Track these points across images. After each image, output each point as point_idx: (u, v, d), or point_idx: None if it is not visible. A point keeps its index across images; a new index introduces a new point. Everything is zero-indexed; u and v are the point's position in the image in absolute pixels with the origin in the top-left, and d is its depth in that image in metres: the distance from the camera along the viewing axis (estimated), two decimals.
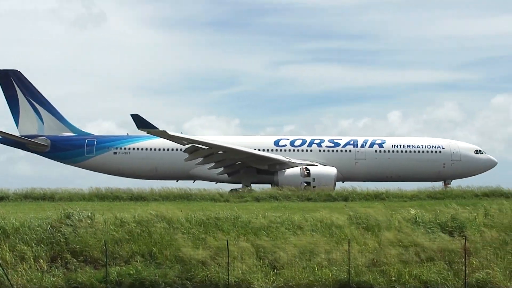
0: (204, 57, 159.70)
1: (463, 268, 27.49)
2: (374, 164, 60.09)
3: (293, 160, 58.24)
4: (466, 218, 32.29)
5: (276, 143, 61.50)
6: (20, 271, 27.80)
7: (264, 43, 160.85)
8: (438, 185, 56.00)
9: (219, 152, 57.72)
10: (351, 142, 61.11)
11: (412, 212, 33.26)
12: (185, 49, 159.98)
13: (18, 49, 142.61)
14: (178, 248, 28.77)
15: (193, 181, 61.85)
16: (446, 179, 59.70)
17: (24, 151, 64.42)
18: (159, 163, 61.60)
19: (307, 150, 60.83)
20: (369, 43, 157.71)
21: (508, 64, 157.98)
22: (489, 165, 61.03)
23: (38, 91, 64.05)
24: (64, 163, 64.15)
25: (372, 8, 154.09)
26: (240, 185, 57.94)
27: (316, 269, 27.69)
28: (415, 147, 60.37)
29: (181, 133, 60.09)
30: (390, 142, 61.12)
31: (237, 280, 27.32)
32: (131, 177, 63.46)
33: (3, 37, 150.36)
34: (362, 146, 60.66)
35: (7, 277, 27.28)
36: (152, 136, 57.77)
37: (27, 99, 63.49)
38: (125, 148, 62.33)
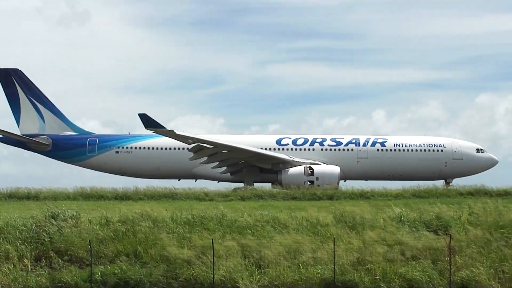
0: (189, 56, 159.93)
1: (448, 266, 27.57)
2: (376, 163, 60.21)
3: (297, 159, 58.29)
4: (450, 216, 32.50)
5: (278, 142, 61.47)
6: (5, 271, 27.70)
7: (249, 43, 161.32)
8: (440, 183, 56.32)
9: (224, 151, 57.72)
10: (353, 141, 61.24)
11: (397, 211, 33.40)
12: (169, 48, 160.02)
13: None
14: (163, 247, 28.72)
15: (195, 180, 61.77)
16: (448, 178, 59.90)
17: (25, 150, 63.67)
18: (161, 162, 61.32)
19: (309, 149, 60.89)
20: (354, 42, 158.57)
21: (492, 63, 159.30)
22: (490, 163, 61.25)
23: (39, 90, 63.38)
24: (66, 162, 63.65)
25: (357, 7, 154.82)
26: (242, 184, 57.59)
27: (301, 268, 27.71)
28: (416, 146, 60.49)
29: (183, 131, 59.79)
30: (392, 141, 61.28)
31: (222, 278, 27.28)
32: (133, 176, 62.69)
33: None
34: (364, 145, 60.78)
35: None
36: (154, 135, 57.53)
37: (28, 98, 62.92)
38: (127, 147, 61.94)
